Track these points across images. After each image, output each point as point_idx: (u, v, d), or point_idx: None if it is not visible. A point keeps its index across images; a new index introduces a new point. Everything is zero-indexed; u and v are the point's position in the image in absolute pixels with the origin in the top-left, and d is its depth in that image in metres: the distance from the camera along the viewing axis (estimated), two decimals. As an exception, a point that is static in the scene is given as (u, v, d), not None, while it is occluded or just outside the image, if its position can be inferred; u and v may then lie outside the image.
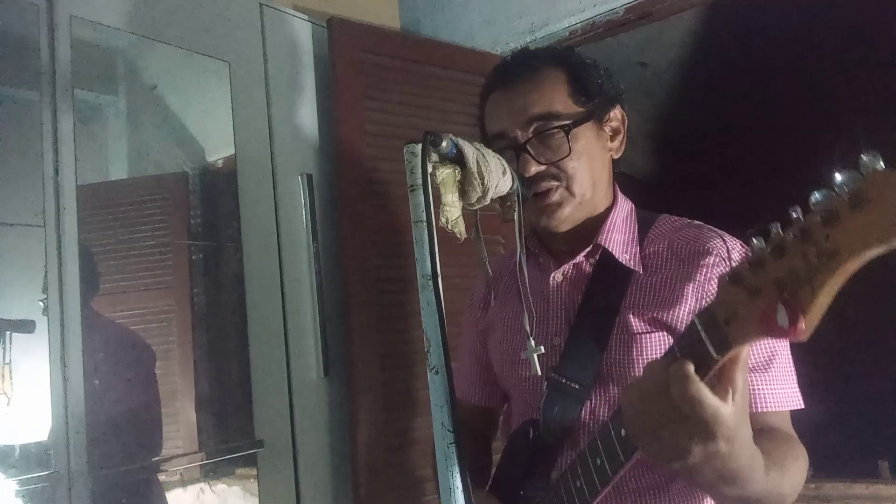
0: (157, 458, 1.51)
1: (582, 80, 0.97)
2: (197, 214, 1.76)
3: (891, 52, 2.77)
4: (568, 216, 0.97)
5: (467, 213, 0.84)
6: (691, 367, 0.57)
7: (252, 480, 1.62)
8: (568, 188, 0.95)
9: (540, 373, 0.91)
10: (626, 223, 1.00)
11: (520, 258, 0.96)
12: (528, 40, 2.04)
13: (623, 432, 0.70)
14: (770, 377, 0.85)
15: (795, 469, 0.78)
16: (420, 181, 0.73)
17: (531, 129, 0.95)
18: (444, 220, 0.80)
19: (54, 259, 1.33)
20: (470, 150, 0.81)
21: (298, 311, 1.76)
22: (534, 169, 0.94)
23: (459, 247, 0.88)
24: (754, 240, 0.52)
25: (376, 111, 1.86)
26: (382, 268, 1.79)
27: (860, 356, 3.54)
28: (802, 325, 0.49)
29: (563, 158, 0.94)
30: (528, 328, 0.89)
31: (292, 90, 1.86)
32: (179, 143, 1.77)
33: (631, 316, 0.92)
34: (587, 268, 0.99)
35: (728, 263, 0.90)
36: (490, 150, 0.85)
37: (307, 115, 1.89)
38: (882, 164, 0.43)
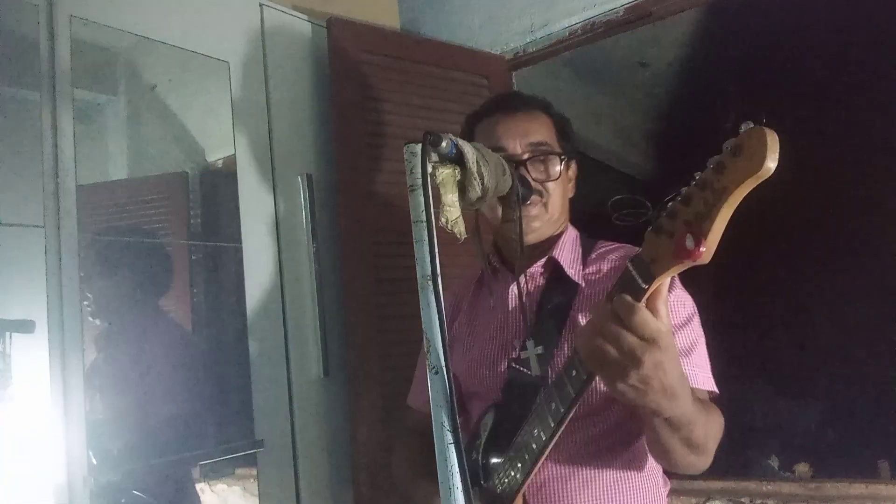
0: (157, 459, 1.51)
1: (563, 128, 1.19)
2: (197, 214, 1.76)
3: (891, 52, 2.77)
4: (537, 229, 1.12)
5: (467, 213, 0.84)
6: (630, 298, 0.74)
7: (252, 480, 1.62)
8: (546, 205, 1.12)
9: (539, 372, 0.95)
10: (573, 245, 1.17)
11: (519, 258, 1.00)
12: (528, 40, 2.04)
13: (573, 373, 0.84)
14: (692, 361, 1.01)
15: (715, 418, 0.95)
16: (420, 181, 0.74)
17: (529, 150, 1.11)
18: (444, 220, 0.80)
19: (54, 259, 1.33)
20: (470, 151, 0.81)
21: (298, 311, 1.76)
22: (533, 185, 1.08)
23: (459, 247, 0.89)
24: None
25: (376, 111, 1.85)
26: (382, 268, 1.79)
27: (860, 356, 3.54)
28: (703, 247, 0.66)
29: (552, 180, 1.12)
30: (527, 329, 0.92)
31: (292, 90, 1.86)
32: (179, 143, 1.77)
33: (580, 317, 1.07)
34: (540, 280, 1.14)
35: None
36: (490, 150, 0.85)
37: (307, 115, 1.89)
38: (752, 124, 0.62)
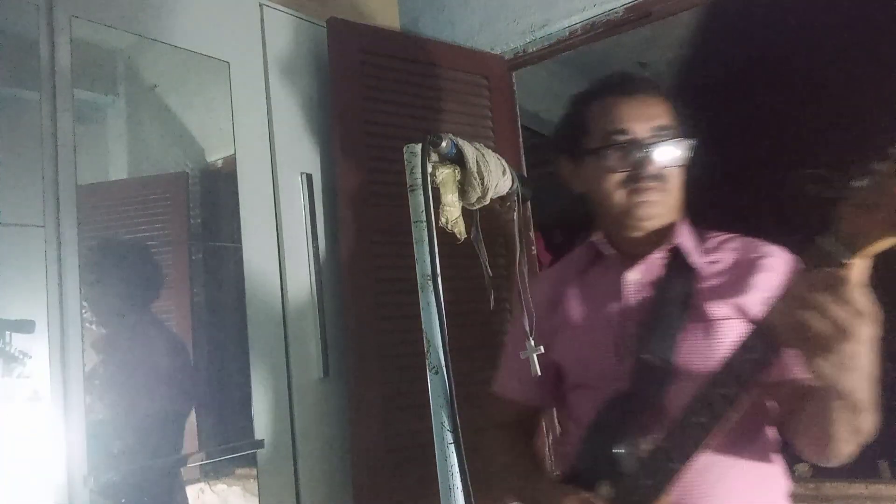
0: (157, 459, 1.51)
1: (676, 107, 1.15)
2: (197, 214, 1.76)
3: (891, 52, 2.77)
4: (657, 215, 1.10)
5: (467, 213, 0.84)
6: (840, 271, 0.74)
7: (252, 480, 1.62)
8: (668, 190, 1.09)
9: (539, 373, 0.97)
10: (690, 233, 1.14)
11: (519, 256, 1.01)
12: (528, 40, 2.04)
13: (750, 354, 0.84)
14: None
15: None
16: (420, 181, 0.74)
17: (654, 134, 1.08)
18: (444, 220, 0.80)
19: (54, 259, 1.33)
20: (470, 150, 0.81)
21: (298, 310, 1.76)
22: (652, 168, 1.07)
23: (459, 247, 0.89)
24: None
25: (376, 111, 1.85)
26: (382, 268, 1.79)
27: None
28: None
29: (677, 165, 1.09)
30: (527, 328, 0.96)
31: (292, 90, 1.86)
32: (179, 143, 1.77)
33: (705, 305, 1.04)
34: (659, 268, 1.11)
35: (783, 263, 1.05)
36: (490, 151, 0.85)
37: (307, 115, 1.89)
38: None
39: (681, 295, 1.06)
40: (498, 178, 0.85)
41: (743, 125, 3.64)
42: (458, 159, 0.81)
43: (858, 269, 0.75)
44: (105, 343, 1.43)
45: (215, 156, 1.79)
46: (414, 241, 0.73)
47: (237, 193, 1.69)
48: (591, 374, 1.12)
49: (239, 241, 1.68)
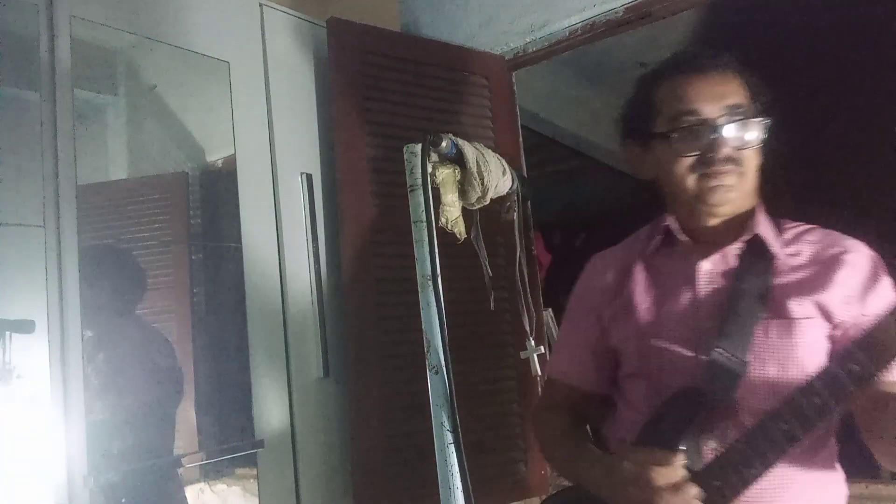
0: (157, 459, 1.51)
1: (756, 86, 1.07)
2: (197, 214, 1.76)
3: (891, 53, 2.77)
4: (732, 201, 1.03)
5: (467, 213, 0.84)
6: None
7: (252, 480, 1.62)
8: (743, 174, 1.02)
9: (539, 373, 0.94)
10: (769, 222, 1.07)
11: (519, 256, 0.98)
12: (528, 40, 2.04)
13: (854, 367, 0.81)
14: None
15: None
16: (420, 181, 0.74)
17: (726, 114, 1.01)
18: (444, 220, 0.80)
19: (54, 259, 1.33)
20: (470, 151, 0.81)
21: (298, 310, 1.75)
22: (726, 151, 1.00)
23: (459, 247, 0.89)
24: None
25: (376, 111, 1.85)
26: (382, 268, 1.79)
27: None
28: None
29: (750, 147, 1.01)
30: (527, 327, 0.92)
31: (292, 90, 1.86)
32: (179, 143, 1.77)
33: (786, 301, 0.99)
34: (733, 259, 1.05)
35: (866, 260, 1.01)
36: (490, 151, 0.85)
37: (307, 115, 1.89)
38: None
39: (757, 289, 1.00)
40: (498, 178, 0.85)
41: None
42: (458, 159, 0.81)
43: None
44: (105, 343, 1.43)
45: (215, 156, 1.79)
46: (414, 241, 0.73)
47: (237, 193, 1.69)
48: (654, 364, 1.07)
49: (239, 241, 1.68)
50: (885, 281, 1.00)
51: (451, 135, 0.80)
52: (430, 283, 0.71)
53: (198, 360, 1.65)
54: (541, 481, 1.93)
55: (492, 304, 1.18)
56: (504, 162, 0.90)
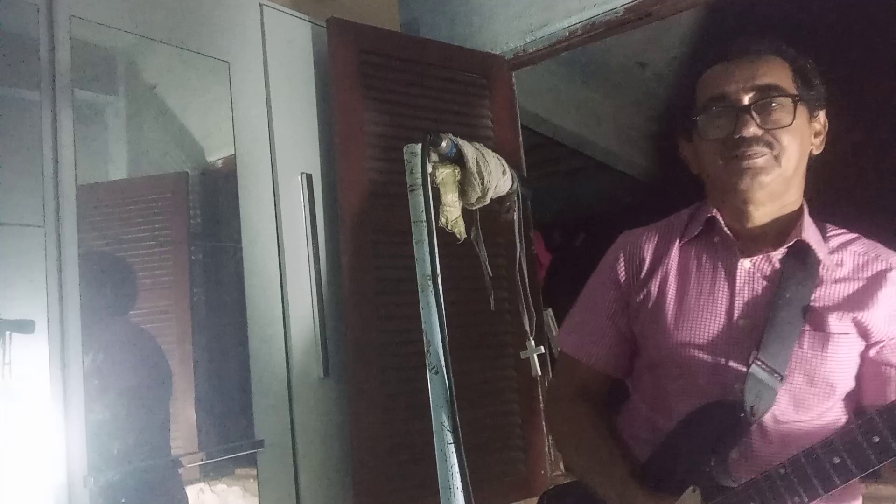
0: (157, 459, 1.51)
1: (803, 71, 1.02)
2: (197, 214, 1.76)
3: (891, 53, 2.77)
4: (768, 184, 0.97)
5: (467, 213, 0.84)
6: None
7: (252, 480, 1.62)
8: (777, 157, 0.96)
9: (539, 373, 0.93)
10: (815, 226, 1.02)
11: (519, 256, 0.98)
12: (528, 40, 2.04)
13: None
14: None
15: None
16: (420, 181, 0.74)
17: (755, 95, 0.97)
18: (444, 220, 0.80)
19: (54, 259, 1.33)
20: (470, 150, 0.81)
21: (298, 310, 1.75)
22: (752, 130, 0.96)
23: (459, 247, 0.88)
24: None
25: (376, 111, 1.85)
26: (382, 268, 1.79)
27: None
28: None
29: (783, 127, 0.96)
30: (527, 327, 0.91)
31: (292, 90, 1.86)
32: (179, 143, 1.77)
33: (825, 314, 0.95)
34: (776, 262, 1.00)
35: None
36: (490, 151, 0.85)
37: (307, 115, 1.89)
38: None
39: (801, 298, 0.95)
40: (498, 178, 0.85)
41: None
42: (458, 159, 0.80)
43: None
44: (105, 343, 1.43)
45: (215, 156, 1.79)
46: (414, 241, 0.73)
47: (237, 193, 1.69)
48: (680, 361, 1.02)
49: (239, 241, 1.68)
50: None
51: (451, 135, 0.80)
52: (430, 283, 0.71)
53: (198, 360, 1.65)
54: (541, 481, 1.93)
55: (492, 304, 1.17)
56: (504, 162, 0.90)
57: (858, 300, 0.96)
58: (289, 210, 1.78)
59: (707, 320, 1.01)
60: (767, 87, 0.97)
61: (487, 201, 0.86)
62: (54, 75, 1.37)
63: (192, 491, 1.60)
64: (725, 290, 1.01)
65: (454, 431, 0.68)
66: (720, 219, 1.04)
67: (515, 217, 1.01)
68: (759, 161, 0.96)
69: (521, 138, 2.16)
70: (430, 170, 0.77)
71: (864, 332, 0.95)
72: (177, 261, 1.68)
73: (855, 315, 0.95)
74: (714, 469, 0.92)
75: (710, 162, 1.01)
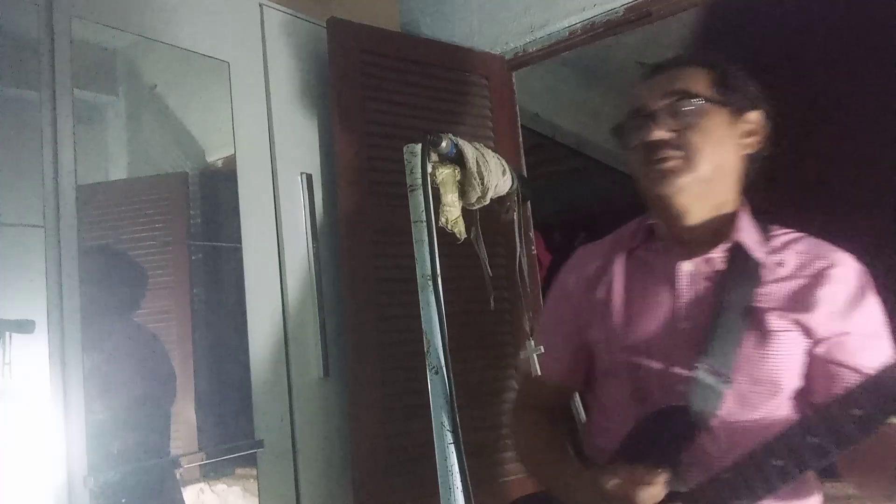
0: (157, 459, 1.51)
1: (725, 75, 1.04)
2: (197, 214, 1.76)
3: (892, 53, 2.77)
4: (683, 186, 0.99)
5: (467, 213, 0.84)
6: None
7: (252, 480, 1.62)
8: (688, 159, 0.98)
9: (539, 373, 0.93)
10: (754, 226, 1.04)
11: (519, 256, 0.98)
12: (528, 40, 2.04)
13: (858, 412, 0.76)
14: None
15: None
16: (420, 181, 0.73)
17: (664, 102, 1.00)
18: (444, 220, 0.80)
19: (54, 259, 1.33)
20: (470, 150, 0.81)
21: (298, 310, 1.76)
22: (658, 134, 0.98)
23: (459, 247, 0.88)
24: None
25: (376, 111, 1.85)
26: (382, 268, 1.79)
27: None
28: None
29: (688, 129, 0.98)
30: (527, 327, 0.91)
31: (292, 90, 1.86)
32: (179, 143, 1.77)
33: (767, 313, 0.96)
34: (718, 263, 1.02)
35: (853, 276, 0.97)
36: (490, 151, 0.85)
37: (307, 115, 1.89)
38: None
39: (742, 299, 0.97)
40: (498, 178, 0.85)
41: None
42: (458, 159, 0.81)
43: None
44: (105, 343, 1.43)
45: (215, 156, 1.79)
46: (414, 241, 0.73)
47: (237, 193, 1.69)
48: (626, 371, 1.04)
49: (239, 241, 1.68)
50: (871, 298, 0.97)
51: (450, 135, 0.80)
52: (430, 283, 0.71)
53: (198, 360, 1.65)
54: (541, 481, 1.93)
55: (492, 304, 1.18)
56: (504, 162, 0.90)
57: (800, 298, 0.97)
58: (289, 210, 1.78)
59: (652, 326, 1.02)
60: (676, 93, 1.00)
61: (487, 201, 0.86)
62: (54, 75, 1.38)
63: (192, 491, 1.60)
64: (668, 294, 1.03)
65: (454, 431, 0.68)
66: (659, 225, 1.07)
67: (515, 217, 1.01)
68: (671, 164, 0.98)
69: (521, 138, 2.16)
70: (430, 170, 0.77)
71: (806, 330, 0.96)
72: (177, 261, 1.68)
73: (796, 313, 0.96)
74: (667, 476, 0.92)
75: (636, 170, 1.04)
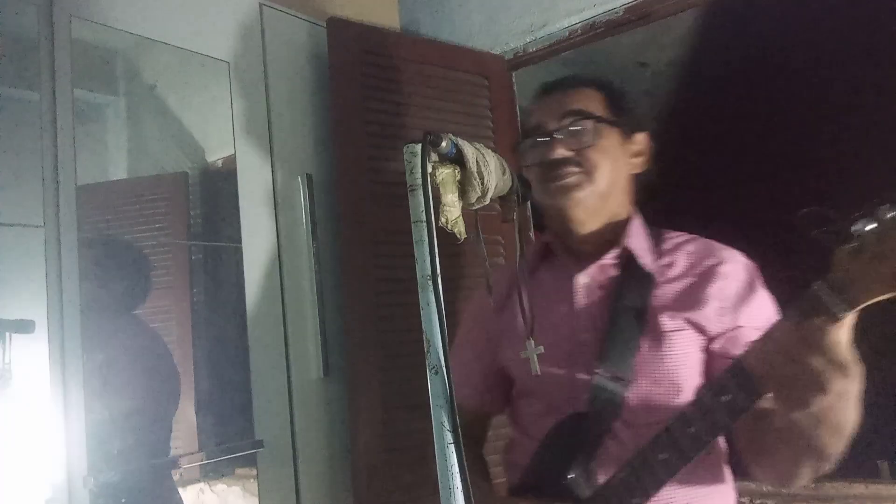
0: (157, 459, 1.51)
1: (615, 97, 1.10)
2: (197, 214, 1.76)
3: (891, 52, 2.77)
4: (584, 200, 1.04)
5: (467, 213, 0.84)
6: (822, 322, 0.71)
7: (252, 480, 1.62)
8: (588, 174, 1.03)
9: (539, 372, 0.95)
10: (644, 232, 1.08)
11: (520, 257, 0.99)
12: (528, 40, 2.04)
13: (727, 397, 0.80)
14: None
15: None
16: (420, 181, 0.73)
17: (564, 121, 1.05)
18: (443, 220, 0.80)
19: (54, 259, 1.33)
20: (470, 150, 0.81)
21: (298, 310, 1.76)
22: (559, 152, 1.03)
23: (459, 247, 0.88)
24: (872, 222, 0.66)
25: (376, 111, 1.85)
26: (382, 268, 1.79)
27: (859, 355, 3.53)
28: None
29: (588, 147, 1.04)
30: (527, 328, 0.92)
31: (292, 90, 1.86)
32: (179, 143, 1.77)
33: (659, 314, 0.99)
34: (611, 271, 1.06)
35: (741, 270, 1.01)
36: (490, 151, 0.85)
37: (307, 115, 1.89)
38: None
39: (635, 303, 1.01)
40: (498, 178, 0.85)
41: (738, 131, 3.63)
42: (458, 159, 0.80)
43: (849, 323, 0.72)
44: (105, 343, 1.43)
45: (215, 156, 1.79)
46: (414, 241, 0.73)
47: (237, 193, 1.69)
48: (536, 386, 1.07)
49: (239, 241, 1.68)
50: (761, 292, 0.99)
51: (450, 135, 0.79)
52: (430, 283, 0.71)
53: (198, 360, 1.65)
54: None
55: (492, 305, 1.18)
56: (504, 162, 0.90)
57: (690, 296, 1.00)
58: (289, 210, 1.78)
59: (554, 339, 1.04)
60: (573, 113, 1.05)
61: (487, 201, 0.86)
62: (54, 75, 1.38)
63: (192, 491, 1.60)
64: (568, 307, 1.06)
65: (454, 431, 0.68)
66: (555, 242, 1.11)
67: (515, 217, 1.01)
68: (572, 179, 1.03)
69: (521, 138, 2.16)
70: (430, 170, 0.77)
71: (699, 328, 0.98)
72: (177, 261, 1.68)
73: (687, 311, 0.99)
74: (575, 482, 0.94)
75: (534, 187, 1.06)
